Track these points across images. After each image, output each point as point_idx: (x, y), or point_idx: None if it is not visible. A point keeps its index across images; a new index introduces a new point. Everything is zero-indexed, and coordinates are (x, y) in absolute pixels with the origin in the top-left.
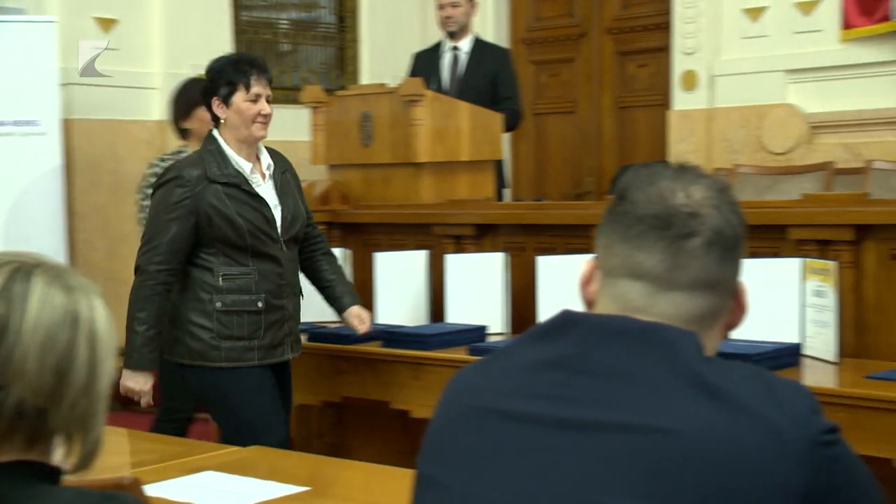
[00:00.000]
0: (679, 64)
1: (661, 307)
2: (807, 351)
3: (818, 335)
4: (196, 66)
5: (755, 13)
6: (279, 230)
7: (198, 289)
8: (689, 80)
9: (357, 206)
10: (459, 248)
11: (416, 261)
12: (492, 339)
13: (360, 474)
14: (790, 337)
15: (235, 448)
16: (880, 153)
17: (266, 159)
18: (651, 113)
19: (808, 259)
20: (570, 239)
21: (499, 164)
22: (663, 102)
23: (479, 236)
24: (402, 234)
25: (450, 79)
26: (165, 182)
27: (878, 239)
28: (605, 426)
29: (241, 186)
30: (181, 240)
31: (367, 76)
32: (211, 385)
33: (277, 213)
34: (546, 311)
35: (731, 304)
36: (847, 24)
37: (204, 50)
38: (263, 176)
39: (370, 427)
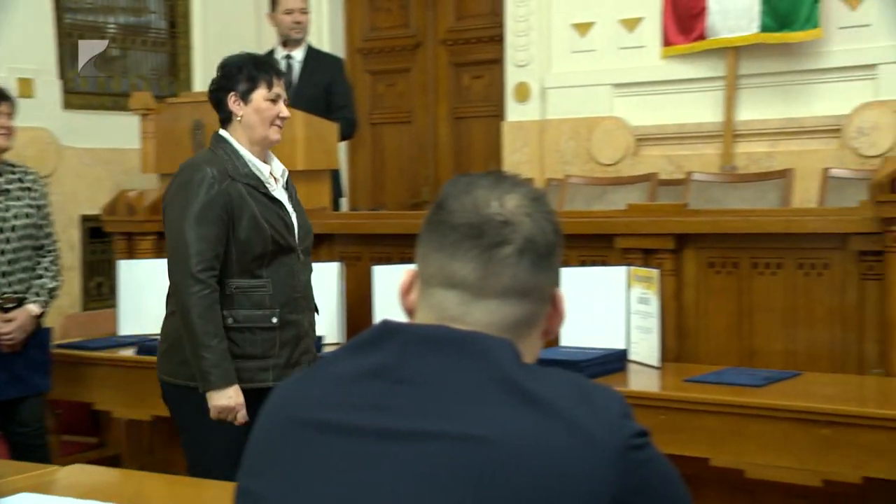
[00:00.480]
0: (512, 76)
1: (476, 315)
2: (632, 356)
3: (642, 341)
4: (14, 70)
5: (583, 28)
6: (296, 238)
7: (229, 306)
8: (522, 92)
9: None
10: None
11: None
12: (328, 349)
13: (188, 490)
14: (617, 343)
15: (52, 467)
16: (699, 165)
17: (278, 165)
18: (486, 124)
19: (633, 267)
20: (405, 248)
21: (335, 174)
22: (497, 113)
23: (315, 246)
24: None
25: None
26: (185, 183)
27: (697, 247)
28: (424, 435)
29: (259, 189)
30: (220, 242)
31: (200, 83)
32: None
33: (294, 221)
34: None
35: (549, 311)
36: (667, 42)
37: (24, 53)
38: (276, 181)
39: None
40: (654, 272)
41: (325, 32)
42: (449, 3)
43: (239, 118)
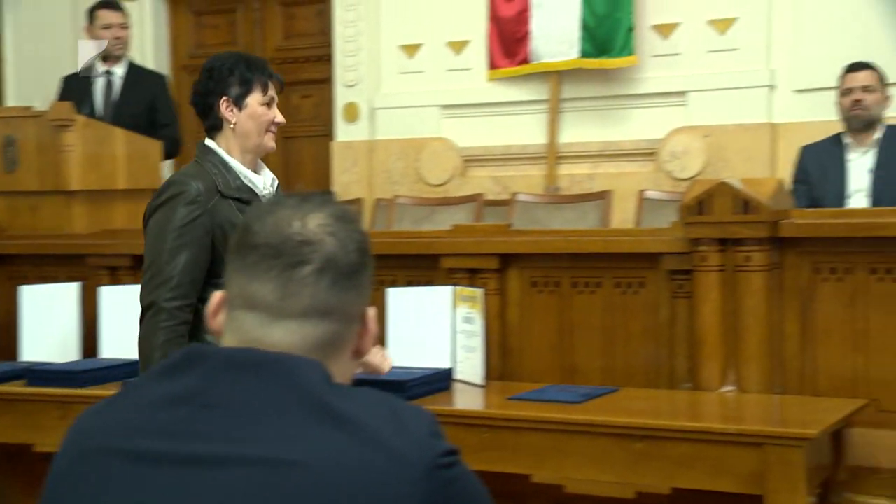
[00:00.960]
0: (341, 96)
1: (276, 336)
2: (458, 375)
3: (467, 360)
4: None
5: (411, 50)
6: None
7: (204, 331)
8: (351, 112)
9: (0, 235)
10: (115, 280)
11: (66, 294)
12: None
13: None
14: (443, 362)
15: None
16: (525, 186)
17: (268, 174)
18: (315, 143)
19: (458, 287)
20: None
21: None
22: (327, 133)
23: (137, 267)
24: (52, 266)
25: (104, 104)
26: (168, 199)
27: (520, 267)
28: (232, 461)
29: (251, 203)
30: (198, 267)
31: (13, 98)
32: None
33: None
34: None
35: (358, 330)
36: (493, 65)
37: None
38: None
39: (11, 473)
40: (479, 292)
41: (149, 48)
42: (277, 21)
43: (232, 126)
